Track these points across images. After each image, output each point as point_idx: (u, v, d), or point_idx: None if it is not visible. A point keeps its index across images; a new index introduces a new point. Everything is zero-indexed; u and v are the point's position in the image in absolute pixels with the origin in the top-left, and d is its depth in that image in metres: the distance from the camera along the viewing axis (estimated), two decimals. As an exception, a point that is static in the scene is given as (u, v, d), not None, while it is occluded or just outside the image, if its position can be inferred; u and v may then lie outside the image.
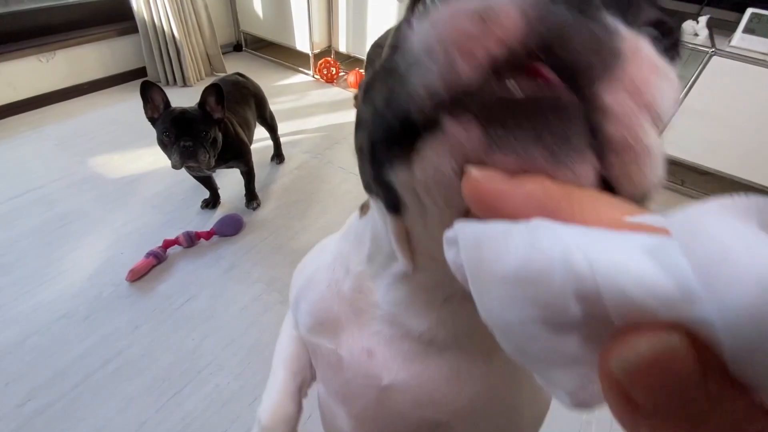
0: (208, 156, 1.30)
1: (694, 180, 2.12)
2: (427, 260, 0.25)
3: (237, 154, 1.48)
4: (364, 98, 0.21)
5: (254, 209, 1.65)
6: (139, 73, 2.49)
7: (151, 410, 1.03)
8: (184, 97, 2.37)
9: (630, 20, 0.16)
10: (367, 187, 0.24)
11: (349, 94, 2.64)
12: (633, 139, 0.14)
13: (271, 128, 1.87)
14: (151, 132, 2.11)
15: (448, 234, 0.14)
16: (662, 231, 0.11)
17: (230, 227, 1.52)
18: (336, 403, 0.38)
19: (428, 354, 0.30)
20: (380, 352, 0.32)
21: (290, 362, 0.46)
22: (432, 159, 0.16)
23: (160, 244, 1.41)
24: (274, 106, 2.40)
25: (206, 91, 1.29)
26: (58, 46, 2.13)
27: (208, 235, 1.49)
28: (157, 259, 1.39)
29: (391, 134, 0.17)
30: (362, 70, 2.72)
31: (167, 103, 1.30)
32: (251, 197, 1.66)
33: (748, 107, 1.70)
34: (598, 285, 0.10)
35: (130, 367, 1.11)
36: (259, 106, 1.74)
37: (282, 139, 2.02)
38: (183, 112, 1.27)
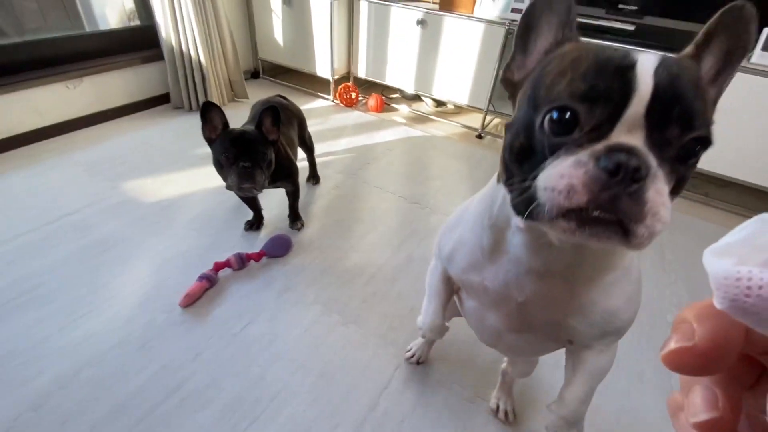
0: (264, 177, 1.28)
1: (715, 192, 2.17)
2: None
3: (286, 174, 1.46)
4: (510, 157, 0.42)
5: (299, 230, 1.62)
6: (162, 99, 2.48)
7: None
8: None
9: (662, 143, 0.34)
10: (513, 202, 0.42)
11: (370, 117, 2.68)
12: (642, 235, 0.33)
13: (309, 149, 1.87)
14: (182, 156, 2.11)
15: (717, 247, 0.15)
16: None
17: (280, 248, 1.47)
18: (488, 310, 0.60)
19: (544, 279, 0.49)
20: (512, 282, 0.51)
21: (440, 295, 0.71)
22: (557, 227, 0.36)
23: (207, 267, 1.36)
24: (299, 129, 2.42)
25: (264, 113, 1.27)
26: (84, 72, 2.12)
27: (258, 257, 1.44)
28: (210, 282, 1.33)
29: (526, 207, 0.37)
30: (382, 95, 2.78)
31: (225, 123, 1.27)
32: (295, 217, 1.63)
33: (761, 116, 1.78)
34: None
35: (196, 397, 1.04)
36: (300, 127, 1.75)
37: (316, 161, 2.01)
38: (242, 134, 1.24)
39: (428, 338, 1.07)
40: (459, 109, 2.86)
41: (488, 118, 2.54)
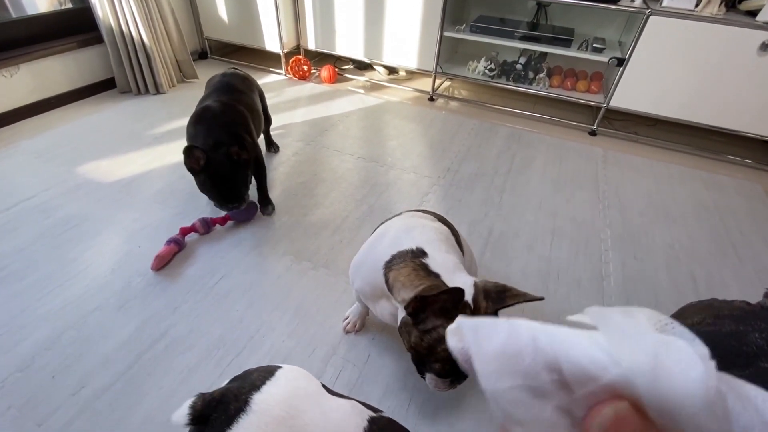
0: (248, 195, 1.45)
1: (644, 131, 2.40)
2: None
3: (256, 163, 1.52)
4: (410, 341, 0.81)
5: (270, 214, 1.59)
6: (107, 84, 2.42)
7: (213, 375, 1.04)
8: (158, 104, 2.35)
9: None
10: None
11: (325, 88, 2.72)
12: None
13: (268, 119, 1.91)
14: (137, 137, 2.11)
15: (451, 327, 0.20)
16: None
17: (246, 212, 1.53)
18: (377, 311, 0.95)
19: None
20: (385, 313, 0.92)
21: (361, 302, 1.07)
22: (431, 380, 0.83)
23: (170, 238, 1.40)
24: (255, 104, 2.44)
25: (221, 145, 1.32)
26: (19, 60, 2.04)
27: (223, 221, 1.50)
28: (178, 245, 1.38)
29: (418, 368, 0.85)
30: (334, 66, 2.82)
31: (206, 155, 1.29)
32: (266, 200, 1.60)
33: (685, 57, 1.99)
34: (557, 357, 0.15)
35: (180, 343, 1.11)
36: (261, 97, 1.81)
37: (272, 132, 2.06)
38: (223, 179, 1.34)
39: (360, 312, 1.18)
40: (411, 75, 2.95)
41: (438, 81, 2.65)
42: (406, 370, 1.08)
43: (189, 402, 0.54)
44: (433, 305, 0.73)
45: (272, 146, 2.00)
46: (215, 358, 1.08)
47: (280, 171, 1.86)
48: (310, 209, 1.63)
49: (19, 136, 1.98)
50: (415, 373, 1.08)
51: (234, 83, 1.60)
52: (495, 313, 0.77)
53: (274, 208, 1.61)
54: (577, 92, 2.42)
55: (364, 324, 1.19)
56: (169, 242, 1.37)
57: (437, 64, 2.50)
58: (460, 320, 0.18)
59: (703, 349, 0.14)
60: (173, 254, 1.37)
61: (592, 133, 2.35)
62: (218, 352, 1.10)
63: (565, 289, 1.35)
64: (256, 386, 0.55)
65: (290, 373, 0.59)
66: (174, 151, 1.93)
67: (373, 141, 2.11)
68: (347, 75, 2.91)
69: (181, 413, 0.54)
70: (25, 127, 2.06)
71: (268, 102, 2.52)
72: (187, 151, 1.25)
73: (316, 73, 2.87)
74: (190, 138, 1.39)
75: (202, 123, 1.38)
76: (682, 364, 0.14)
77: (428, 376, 0.82)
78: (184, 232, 1.42)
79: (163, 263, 1.33)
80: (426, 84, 2.76)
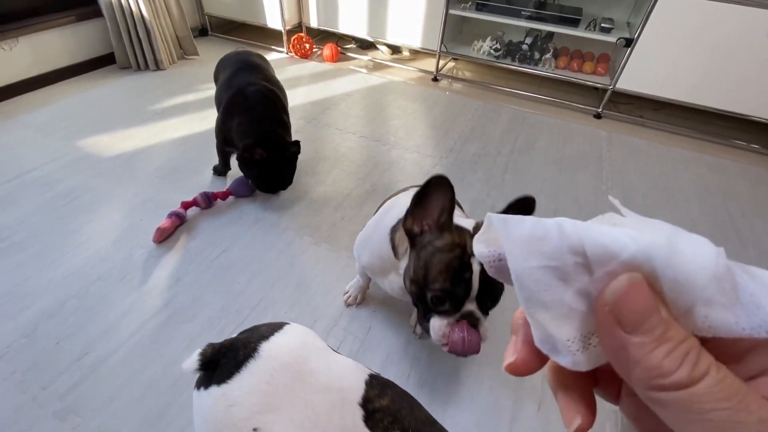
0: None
1: (650, 114, 2.38)
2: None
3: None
4: (414, 284, 0.79)
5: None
6: (107, 59, 2.39)
7: (215, 344, 1.05)
8: (158, 80, 2.32)
9: (484, 310, 0.76)
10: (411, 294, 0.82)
11: (327, 67, 2.68)
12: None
13: None
14: (137, 113, 2.08)
15: (478, 234, 0.20)
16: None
17: (246, 187, 1.52)
18: (386, 285, 0.95)
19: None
20: (395, 286, 0.91)
21: (364, 276, 1.11)
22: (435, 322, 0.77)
23: (172, 211, 1.39)
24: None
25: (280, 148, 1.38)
26: (18, 33, 2.00)
27: (224, 196, 1.50)
28: (180, 219, 1.38)
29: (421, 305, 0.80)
30: (337, 45, 2.77)
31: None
32: None
33: (694, 39, 1.95)
34: (581, 239, 0.16)
35: (182, 313, 1.12)
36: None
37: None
38: (278, 172, 1.43)
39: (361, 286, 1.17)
40: (414, 55, 2.90)
41: (442, 61, 2.61)
42: (407, 342, 1.09)
43: (199, 350, 0.56)
44: (426, 206, 0.76)
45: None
46: (217, 328, 1.09)
47: (281, 148, 1.84)
48: (311, 186, 1.63)
49: (19, 109, 1.96)
50: (416, 343, 1.09)
51: (256, 61, 1.59)
52: None
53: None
54: (583, 74, 2.39)
55: (364, 298, 1.20)
56: (170, 215, 1.36)
57: (442, 43, 2.46)
58: (489, 215, 0.19)
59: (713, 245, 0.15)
60: (175, 227, 1.37)
61: (597, 116, 2.32)
62: (220, 322, 1.11)
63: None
64: (265, 336, 0.57)
65: (298, 329, 0.61)
66: (174, 127, 1.91)
67: (375, 120, 2.09)
68: (350, 54, 2.86)
69: (192, 360, 0.56)
70: (25, 101, 2.03)
71: (270, 79, 2.48)
72: (249, 149, 1.34)
73: (318, 52, 2.83)
74: (239, 129, 1.39)
75: (248, 112, 1.39)
76: (695, 245, 0.15)
77: (433, 321, 0.76)
78: (186, 206, 1.42)
79: (164, 236, 1.33)
80: (430, 64, 2.72)
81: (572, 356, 0.17)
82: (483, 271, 0.70)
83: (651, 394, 0.15)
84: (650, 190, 1.75)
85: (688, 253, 0.15)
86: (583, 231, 0.16)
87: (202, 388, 0.55)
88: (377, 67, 2.75)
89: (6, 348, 1.02)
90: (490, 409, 0.97)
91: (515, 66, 2.45)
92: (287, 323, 0.62)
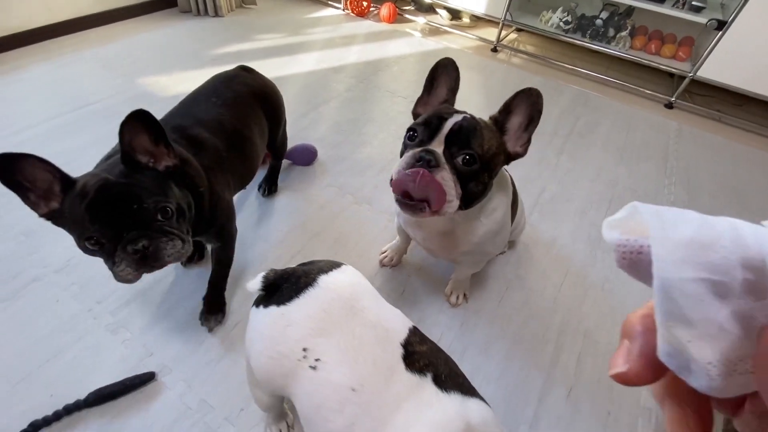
0: (182, 242, 0.71)
1: (729, 110, 2.15)
2: None
3: (211, 223, 0.87)
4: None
5: (211, 329, 0.99)
6: (168, 2, 2.41)
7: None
8: (216, 26, 2.33)
9: (452, 154, 0.69)
10: None
11: (382, 27, 2.60)
12: (437, 208, 0.70)
13: (277, 153, 1.30)
14: (195, 57, 2.12)
15: (613, 218, 0.17)
16: None
17: (303, 157, 1.46)
18: (418, 238, 0.95)
19: (440, 237, 0.88)
20: (426, 237, 0.91)
21: (402, 234, 1.10)
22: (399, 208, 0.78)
23: None
24: (307, 37, 2.38)
25: (128, 128, 0.68)
26: (89, -34, 2.05)
27: None
28: (229, 164, 1.41)
29: None
30: (395, 4, 2.66)
31: (63, 176, 0.66)
32: (214, 306, 1.00)
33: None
34: (764, 255, 0.13)
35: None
36: (272, 117, 1.14)
37: (324, 65, 2.01)
38: (104, 186, 0.65)
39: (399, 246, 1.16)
40: (474, 22, 2.75)
41: (504, 31, 2.45)
42: (439, 310, 1.09)
43: (263, 273, 0.61)
44: (434, 90, 0.82)
45: (268, 186, 1.33)
46: (257, 271, 1.12)
47: (330, 105, 1.82)
48: (357, 146, 1.61)
49: (86, 44, 2.03)
50: (448, 312, 1.08)
51: (236, 91, 1.04)
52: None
53: (222, 319, 1.01)
54: (660, 57, 2.18)
55: (400, 261, 1.19)
56: (220, 159, 1.39)
57: (507, 11, 2.30)
58: (636, 204, 0.16)
59: None
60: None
61: (669, 106, 2.13)
62: (260, 266, 1.14)
63: (611, 260, 1.28)
64: (324, 270, 0.61)
65: (354, 271, 0.65)
66: (229, 74, 1.93)
67: (427, 87, 2.01)
68: (407, 16, 2.75)
69: (256, 281, 0.61)
70: (92, 35, 2.11)
71: (322, 36, 2.45)
72: (8, 170, 0.64)
73: (375, 11, 2.73)
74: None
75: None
76: None
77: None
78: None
79: (213, 178, 1.36)
80: (490, 33, 2.57)
81: (709, 380, 0.15)
82: (460, 123, 0.70)
83: None
84: (720, 191, 1.61)
85: None
86: (764, 239, 0.13)
87: (261, 306, 0.60)
88: (434, 32, 2.63)
89: (66, 262, 1.10)
90: (518, 386, 0.95)
91: (585, 42, 2.27)
92: (344, 264, 0.65)
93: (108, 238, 0.66)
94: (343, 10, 2.73)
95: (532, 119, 0.74)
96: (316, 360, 0.54)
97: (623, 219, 0.17)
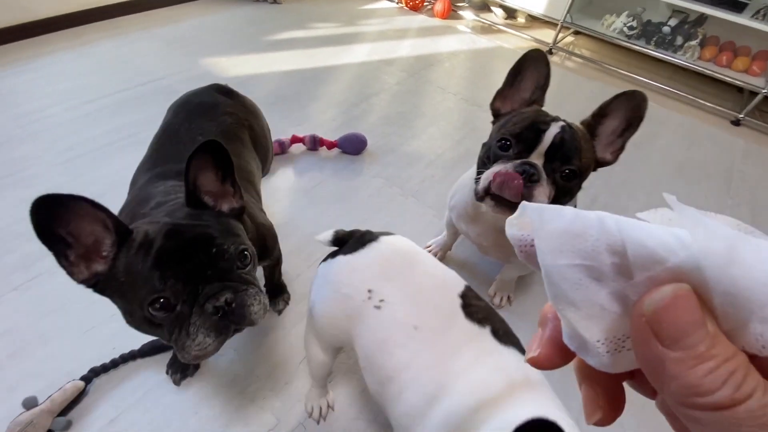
0: (259, 296, 0.58)
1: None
2: None
3: (264, 245, 0.80)
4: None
5: (280, 312, 1.01)
6: (231, -14, 2.49)
7: (302, 266, 1.12)
8: (275, 12, 2.38)
9: (553, 168, 0.69)
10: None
11: (436, 22, 2.57)
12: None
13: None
14: (253, 41, 2.18)
15: (511, 217, 0.19)
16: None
17: (353, 146, 1.48)
18: (472, 234, 0.92)
19: (496, 235, 0.86)
20: (481, 234, 0.89)
21: (450, 228, 1.07)
22: (485, 203, 0.74)
23: (277, 139, 1.44)
24: (361, 28, 2.39)
25: (197, 162, 0.57)
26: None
27: (330, 145, 1.49)
28: (281, 147, 1.44)
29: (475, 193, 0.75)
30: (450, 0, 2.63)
31: (119, 226, 0.53)
32: (281, 288, 1.02)
33: None
34: (623, 239, 0.15)
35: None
36: (259, 146, 1.01)
37: (375, 57, 2.01)
38: (174, 231, 0.54)
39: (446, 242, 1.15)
40: (530, 23, 2.68)
41: (562, 33, 2.38)
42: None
43: (333, 230, 0.71)
44: (518, 85, 0.77)
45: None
46: (305, 252, 1.15)
47: (381, 97, 1.83)
48: (406, 139, 1.61)
49: (153, 23, 2.13)
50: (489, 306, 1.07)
51: (221, 123, 0.89)
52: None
53: (288, 300, 1.03)
54: (731, 71, 2.05)
55: (444, 256, 1.18)
56: (275, 141, 1.43)
57: (568, 12, 2.23)
58: (524, 203, 0.18)
59: None
60: (274, 154, 1.43)
61: (736, 123, 2.00)
62: (308, 247, 1.16)
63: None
64: (383, 234, 0.67)
65: (408, 240, 0.69)
66: (284, 60, 1.97)
67: (478, 85, 1.98)
68: (461, 12, 2.71)
69: (327, 234, 0.70)
70: (158, 15, 2.20)
71: (375, 28, 2.46)
72: (46, 218, 0.50)
73: (429, 6, 2.71)
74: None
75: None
76: (762, 254, 0.13)
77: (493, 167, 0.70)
78: (295, 140, 1.47)
79: (266, 159, 1.40)
80: (545, 35, 2.50)
81: (600, 357, 0.16)
82: (560, 135, 0.66)
83: (686, 411, 0.14)
84: (788, 216, 1.51)
85: (751, 264, 0.13)
86: (627, 230, 0.15)
87: (329, 259, 0.66)
88: (487, 30, 2.58)
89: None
90: (557, 394, 0.93)
91: (649, 50, 2.16)
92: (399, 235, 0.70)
93: (182, 298, 0.52)
94: (397, 3, 2.73)
95: (631, 125, 0.70)
96: (381, 300, 0.58)
97: (520, 217, 0.18)
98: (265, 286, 0.98)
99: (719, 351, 0.13)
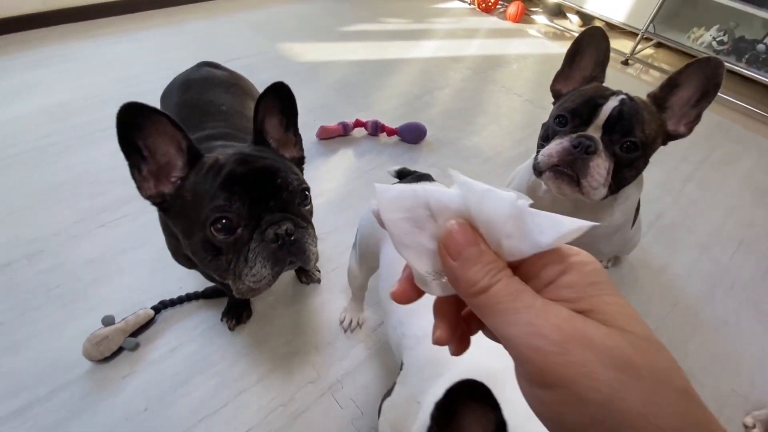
0: (315, 239, 0.61)
1: None
2: None
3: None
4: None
5: (320, 281, 1.06)
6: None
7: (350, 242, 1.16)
8: (348, 5, 2.48)
9: (613, 141, 0.67)
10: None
11: (507, 25, 2.55)
12: (585, 186, 0.67)
13: None
14: (328, 30, 2.29)
15: (372, 199, 0.23)
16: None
17: (413, 134, 1.51)
18: None
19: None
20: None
21: None
22: (545, 178, 0.72)
23: (342, 121, 1.50)
24: (431, 25, 2.42)
25: (265, 104, 0.61)
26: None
27: (391, 132, 1.53)
28: (345, 130, 1.50)
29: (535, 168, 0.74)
30: (523, 3, 2.59)
31: (193, 149, 0.56)
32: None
33: None
34: (428, 198, 0.21)
35: (335, 203, 1.26)
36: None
37: (443, 54, 2.03)
38: (244, 159, 0.56)
39: None
40: (607, 32, 2.57)
41: (641, 45, 2.26)
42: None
43: (398, 166, 0.95)
44: (577, 64, 0.77)
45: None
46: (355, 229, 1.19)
47: (444, 91, 1.85)
48: (466, 134, 1.61)
49: (237, 7, 2.30)
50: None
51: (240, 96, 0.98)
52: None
53: (319, 280, 1.06)
54: (837, 95, 1.85)
55: None
56: (339, 123, 1.49)
57: (651, 22, 2.12)
58: (376, 185, 0.23)
59: (519, 197, 0.20)
60: (336, 134, 1.50)
61: (836, 153, 1.80)
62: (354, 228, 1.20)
63: (734, 303, 1.14)
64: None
65: None
66: (354, 50, 2.05)
67: (545, 88, 1.92)
68: (533, 17, 2.67)
69: (393, 168, 0.93)
70: (244, 2, 2.38)
71: (445, 27, 2.49)
72: (129, 127, 0.53)
73: (502, 9, 2.69)
74: None
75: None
76: (498, 196, 0.20)
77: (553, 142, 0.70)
78: (357, 124, 1.53)
79: (326, 135, 1.47)
80: (622, 45, 2.39)
81: (431, 286, 0.22)
82: (619, 108, 0.65)
83: (470, 301, 0.20)
84: None
85: (492, 203, 0.20)
86: (430, 192, 0.21)
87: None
88: (560, 36, 2.52)
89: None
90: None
91: (739, 68, 2.00)
92: None
93: (244, 222, 0.53)
94: (470, 4, 2.73)
95: (707, 93, 0.67)
96: None
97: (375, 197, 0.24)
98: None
99: (485, 258, 0.20)
